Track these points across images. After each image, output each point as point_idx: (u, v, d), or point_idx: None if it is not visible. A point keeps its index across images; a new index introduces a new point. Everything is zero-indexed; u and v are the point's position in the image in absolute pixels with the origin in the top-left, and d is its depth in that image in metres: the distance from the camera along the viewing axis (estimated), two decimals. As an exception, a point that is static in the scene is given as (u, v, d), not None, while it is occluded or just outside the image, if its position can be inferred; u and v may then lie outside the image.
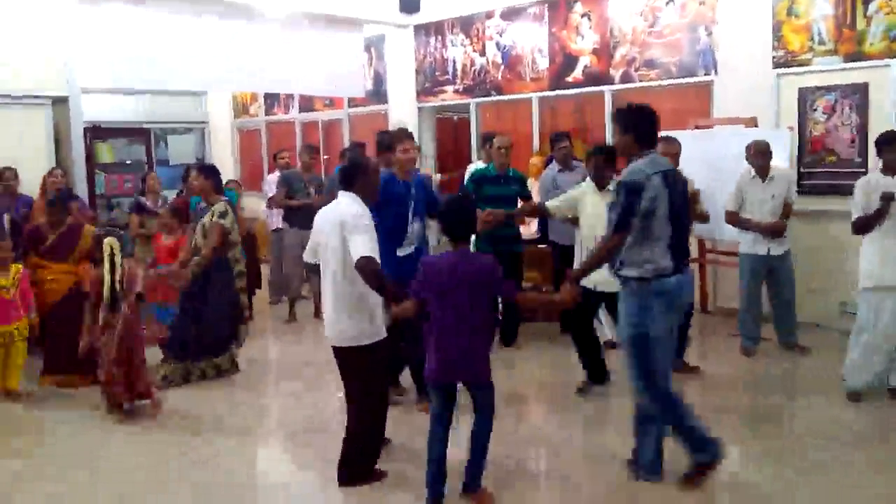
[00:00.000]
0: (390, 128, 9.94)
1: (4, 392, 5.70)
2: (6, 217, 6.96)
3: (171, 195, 8.73)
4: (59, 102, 8.23)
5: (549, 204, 5.62)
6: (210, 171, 6.18)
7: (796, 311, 6.72)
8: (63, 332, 5.78)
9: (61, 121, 8.31)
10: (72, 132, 8.34)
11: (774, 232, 5.92)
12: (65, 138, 8.33)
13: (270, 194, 8.48)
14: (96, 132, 9.35)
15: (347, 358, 4.01)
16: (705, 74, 7.49)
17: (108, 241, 5.22)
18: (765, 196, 5.96)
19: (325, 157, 11.28)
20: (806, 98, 6.82)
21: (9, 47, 7.67)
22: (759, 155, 5.94)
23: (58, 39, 8.03)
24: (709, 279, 7.58)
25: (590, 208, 5.29)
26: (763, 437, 4.65)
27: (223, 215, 5.91)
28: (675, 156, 5.63)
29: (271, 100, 12.35)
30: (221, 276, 5.98)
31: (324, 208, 4.15)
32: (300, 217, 7.66)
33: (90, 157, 8.82)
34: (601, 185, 5.29)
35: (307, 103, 11.74)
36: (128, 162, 10.83)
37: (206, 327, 5.96)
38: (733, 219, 6.05)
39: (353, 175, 4.07)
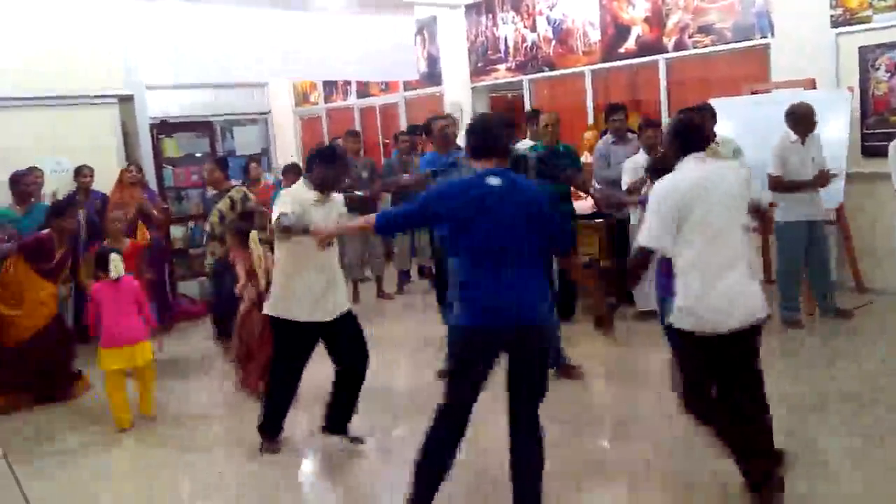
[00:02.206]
0: (446, 109, 10.04)
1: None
2: (82, 213, 7.28)
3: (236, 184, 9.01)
4: (125, 101, 8.56)
5: None
6: (224, 163, 6.72)
7: (861, 277, 6.58)
8: (40, 360, 5.57)
9: (128, 118, 8.65)
10: (139, 129, 8.69)
11: (823, 183, 5.74)
12: (132, 135, 8.68)
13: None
14: (162, 127, 9.67)
15: (755, 335, 3.43)
16: (762, 37, 7.27)
17: (253, 234, 5.41)
18: (805, 157, 5.78)
19: (386, 141, 11.42)
20: (867, 57, 6.57)
21: (74, 50, 8.01)
22: (809, 118, 5.74)
23: (121, 39, 8.34)
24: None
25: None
26: (806, 405, 4.58)
27: (246, 199, 6.29)
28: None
29: (330, 87, 12.55)
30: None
31: (694, 174, 3.36)
32: (358, 204, 7.94)
33: (157, 152, 9.14)
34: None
35: (364, 89, 11.89)
36: (197, 155, 11.20)
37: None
38: (779, 183, 5.78)
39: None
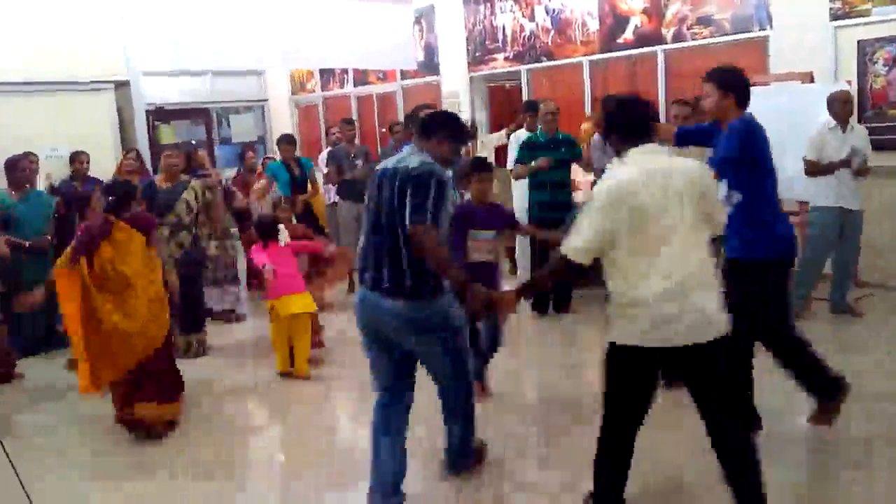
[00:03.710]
0: (443, 99, 10.02)
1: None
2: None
3: (231, 172, 8.99)
4: (122, 86, 8.54)
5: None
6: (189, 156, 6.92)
7: (858, 269, 6.58)
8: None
9: (124, 104, 8.62)
10: (135, 115, 8.66)
11: (859, 172, 5.72)
12: (128, 121, 8.65)
13: (325, 170, 8.65)
14: (159, 114, 9.66)
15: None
16: (760, 30, 7.26)
17: None
18: (844, 146, 5.74)
19: (383, 130, 11.39)
20: (865, 50, 6.57)
21: (72, 35, 7.97)
22: (843, 104, 5.76)
23: (118, 25, 8.31)
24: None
25: None
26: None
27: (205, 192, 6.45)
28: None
29: (327, 75, 12.51)
30: (198, 249, 6.35)
31: (643, 169, 2.96)
32: (352, 190, 7.93)
33: (154, 138, 9.12)
34: None
35: (361, 77, 11.86)
36: (192, 142, 11.18)
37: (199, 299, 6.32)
38: (814, 167, 5.76)
39: None
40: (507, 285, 5.06)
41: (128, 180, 5.81)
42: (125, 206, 4.78)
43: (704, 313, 2.88)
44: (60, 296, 4.49)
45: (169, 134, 9.89)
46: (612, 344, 3.01)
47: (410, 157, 3.34)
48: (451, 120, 3.51)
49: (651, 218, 2.88)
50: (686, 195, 2.92)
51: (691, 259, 2.91)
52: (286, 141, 7.94)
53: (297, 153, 8.21)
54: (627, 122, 3.08)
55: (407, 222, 3.15)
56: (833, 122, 5.79)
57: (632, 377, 3.02)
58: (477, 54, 9.97)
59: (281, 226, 5.76)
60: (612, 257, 2.96)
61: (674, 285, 2.86)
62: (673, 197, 2.90)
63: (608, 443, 3.12)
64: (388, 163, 3.41)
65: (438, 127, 3.43)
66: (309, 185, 7.85)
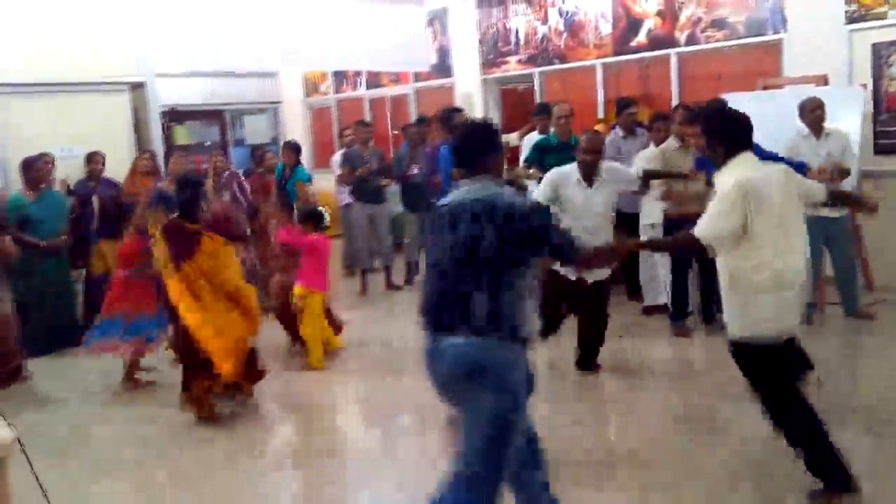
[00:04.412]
0: (457, 101, 10.02)
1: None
2: (95, 199, 7.29)
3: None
4: (137, 88, 8.59)
5: (538, 197, 5.22)
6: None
7: (872, 275, 6.54)
8: None
9: (140, 105, 8.67)
10: (149, 116, 8.70)
11: (832, 177, 5.61)
12: (143, 122, 8.70)
13: (338, 172, 8.67)
14: (173, 115, 9.70)
15: None
16: (774, 33, 7.24)
17: None
18: (819, 153, 5.73)
19: (395, 132, 11.41)
20: (881, 53, 6.54)
21: (88, 36, 8.03)
22: (811, 112, 5.75)
23: (132, 27, 8.35)
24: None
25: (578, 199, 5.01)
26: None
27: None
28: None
29: (340, 77, 12.54)
30: None
31: (757, 172, 3.35)
32: (366, 191, 7.98)
33: (168, 139, 9.16)
34: (588, 177, 5.04)
35: (374, 80, 11.88)
36: (206, 143, 11.24)
37: None
38: None
39: None
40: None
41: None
42: (197, 205, 4.74)
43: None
44: (173, 301, 4.63)
45: (183, 135, 9.94)
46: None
47: (498, 193, 2.85)
48: (485, 132, 3.01)
49: (766, 211, 3.23)
50: (786, 194, 3.31)
51: (797, 251, 3.33)
52: (288, 147, 8.12)
53: (304, 160, 8.26)
54: (736, 135, 3.41)
55: (569, 259, 3.22)
56: (806, 130, 5.79)
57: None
58: (490, 57, 9.98)
59: (327, 215, 6.06)
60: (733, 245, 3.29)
61: (790, 275, 3.29)
62: (779, 196, 3.28)
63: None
64: (457, 198, 2.89)
65: (485, 146, 2.96)
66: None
